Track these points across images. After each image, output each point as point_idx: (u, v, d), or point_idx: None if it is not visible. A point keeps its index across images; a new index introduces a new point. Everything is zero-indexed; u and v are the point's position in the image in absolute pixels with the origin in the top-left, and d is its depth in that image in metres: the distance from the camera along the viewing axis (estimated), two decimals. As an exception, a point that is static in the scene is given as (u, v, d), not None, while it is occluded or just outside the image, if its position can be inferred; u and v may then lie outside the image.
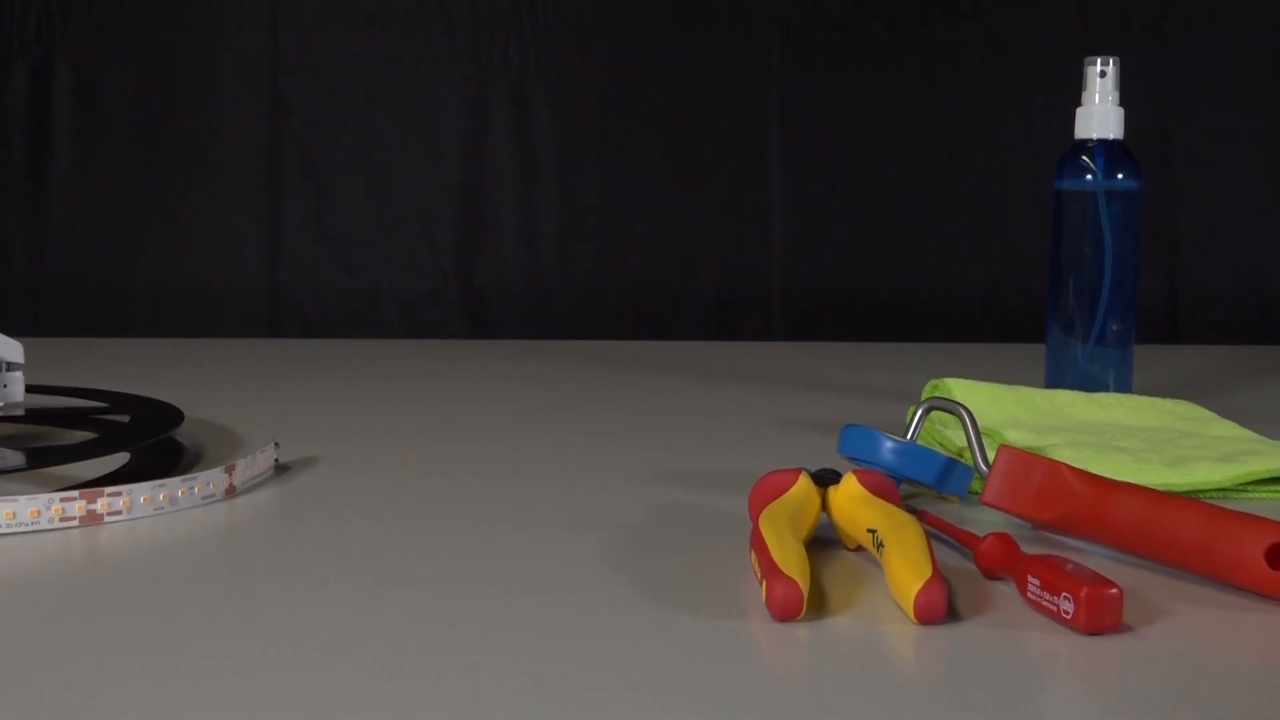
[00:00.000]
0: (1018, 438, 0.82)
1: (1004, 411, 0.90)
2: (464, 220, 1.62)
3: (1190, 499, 0.62)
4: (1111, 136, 0.98)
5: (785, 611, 0.54)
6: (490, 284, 1.62)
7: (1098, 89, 0.98)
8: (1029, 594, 0.56)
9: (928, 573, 0.55)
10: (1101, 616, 0.53)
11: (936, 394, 0.92)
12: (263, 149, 1.59)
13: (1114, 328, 0.98)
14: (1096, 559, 0.65)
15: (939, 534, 0.67)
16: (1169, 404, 0.93)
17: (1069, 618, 0.54)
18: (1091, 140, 0.98)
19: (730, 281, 1.63)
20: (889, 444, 0.72)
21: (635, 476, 0.81)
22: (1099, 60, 0.98)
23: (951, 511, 0.74)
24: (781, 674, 0.50)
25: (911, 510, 0.71)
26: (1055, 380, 1.00)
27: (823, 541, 0.67)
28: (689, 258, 1.63)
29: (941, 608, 0.54)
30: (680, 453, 0.89)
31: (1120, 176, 0.98)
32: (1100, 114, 0.98)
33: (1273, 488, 0.77)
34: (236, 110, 1.59)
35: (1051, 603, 0.55)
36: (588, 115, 1.62)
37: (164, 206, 1.59)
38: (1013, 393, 0.92)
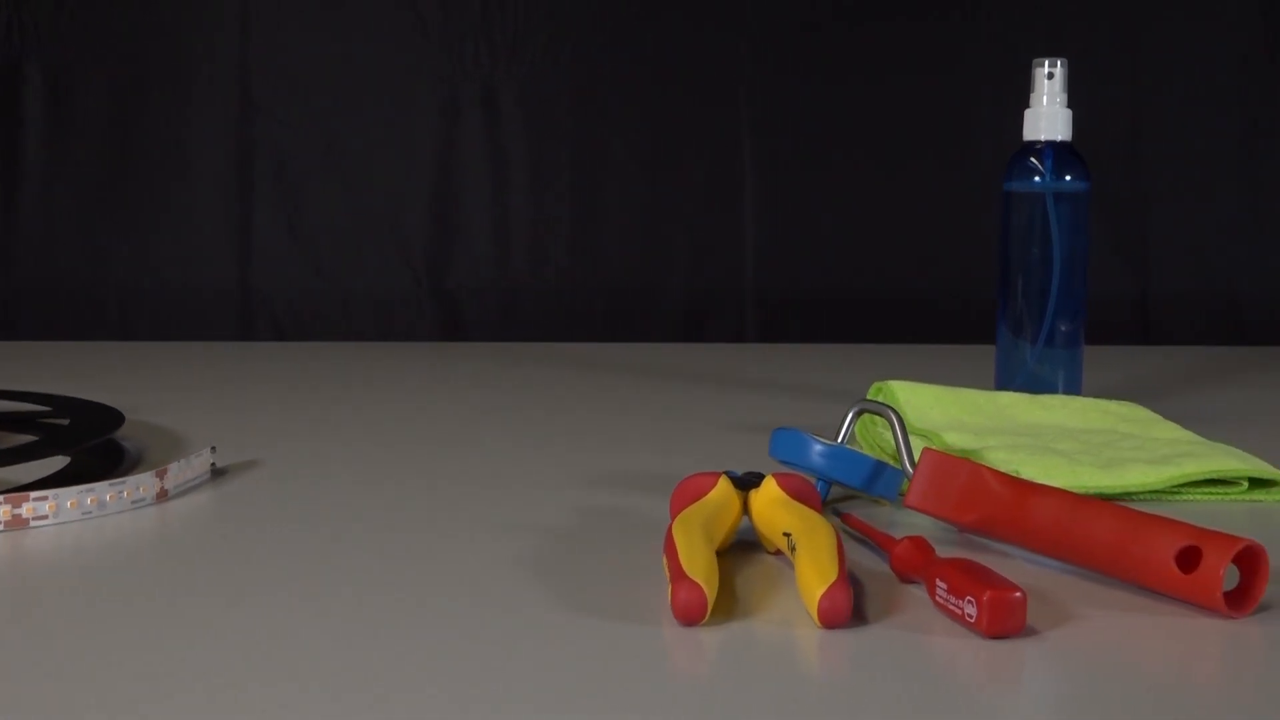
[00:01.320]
0: (956, 440, 0.82)
1: (946, 414, 0.90)
2: (435, 222, 1.62)
3: (1106, 502, 0.62)
4: (1060, 138, 0.98)
5: (688, 615, 0.54)
6: (462, 286, 1.62)
7: (1045, 90, 0.98)
8: (937, 598, 0.56)
9: (833, 576, 0.55)
10: (1004, 620, 0.53)
11: (880, 396, 0.92)
12: (233, 151, 1.59)
13: (1063, 329, 0.98)
14: (1016, 562, 0.65)
15: (861, 537, 0.68)
16: (1113, 405, 0.93)
17: (972, 621, 0.54)
18: (1040, 142, 0.98)
19: (702, 283, 1.63)
20: (817, 447, 0.72)
21: (573, 479, 0.81)
22: (1047, 62, 0.98)
23: (882, 515, 0.74)
24: (680, 678, 0.50)
25: (837, 513, 0.71)
26: (1005, 381, 1.00)
27: (746, 545, 0.67)
28: (661, 259, 1.63)
29: (845, 611, 0.54)
30: (624, 455, 0.89)
31: (1069, 178, 0.98)
32: (1049, 115, 0.98)
33: (1205, 490, 0.77)
34: (207, 112, 1.59)
35: (957, 606, 0.55)
36: (558, 116, 1.62)
37: (135, 209, 1.59)
38: (955, 395, 0.92)
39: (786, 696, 0.48)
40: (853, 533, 0.68)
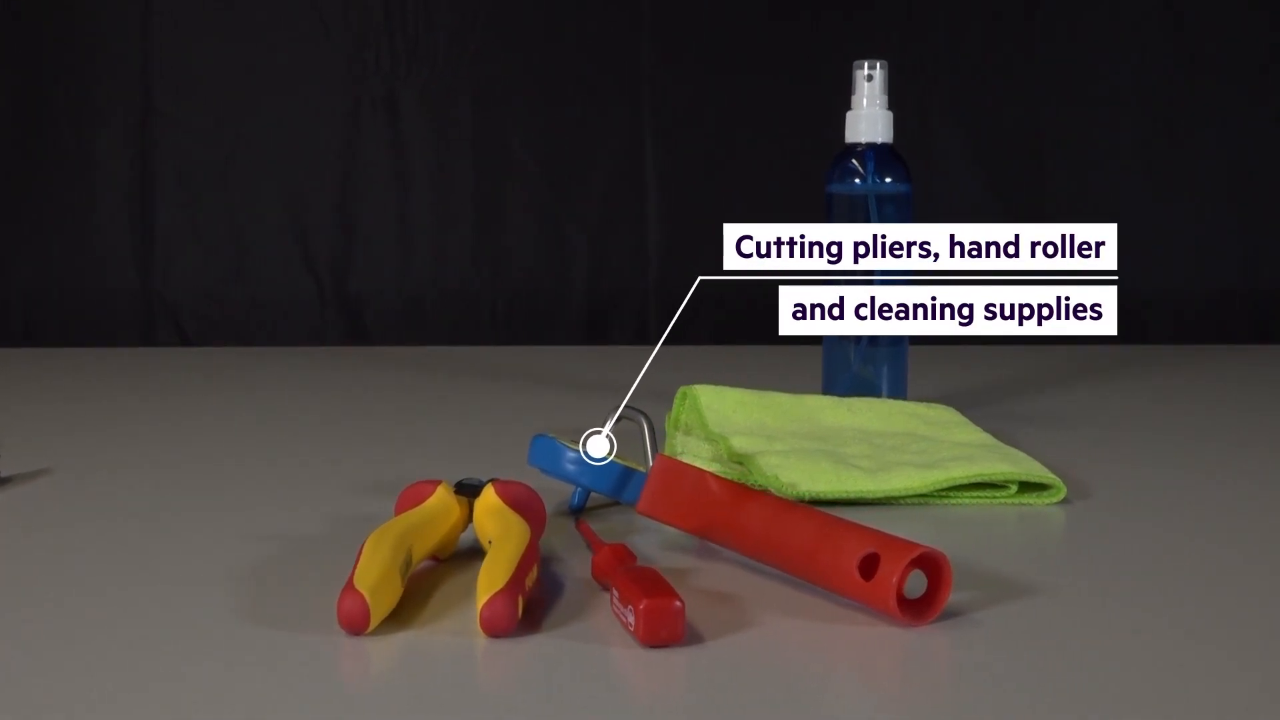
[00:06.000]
0: (741, 444, 0.82)
1: (748, 417, 0.90)
2: (337, 226, 1.62)
3: (809, 508, 0.62)
4: (880, 140, 0.97)
5: (350, 625, 0.54)
6: (365, 291, 1.63)
7: (865, 93, 0.98)
8: (613, 606, 0.56)
9: (498, 586, 0.55)
10: (658, 629, 0.53)
11: (684, 401, 0.92)
12: (136, 157, 1.60)
13: (885, 331, 0.98)
14: (732, 568, 0.65)
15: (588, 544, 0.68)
16: (921, 408, 0.92)
17: (633, 629, 0.54)
18: (861, 144, 0.98)
19: (606, 285, 1.63)
20: (569, 454, 0.72)
21: (352, 487, 0.81)
22: (866, 64, 0.98)
23: (641, 522, 0.73)
24: (332, 688, 0.50)
25: (578, 520, 0.71)
26: (830, 382, 0.99)
27: (476, 553, 0.67)
28: (564, 261, 1.63)
29: (505, 621, 0.54)
30: (423, 463, 0.89)
31: (889, 180, 0.97)
32: (869, 118, 0.98)
33: (974, 494, 0.76)
34: (109, 116, 1.59)
35: (623, 615, 0.55)
36: (460, 120, 1.62)
37: (38, 215, 1.60)
38: (762, 398, 0.92)
39: (426, 706, 0.48)
40: (586, 540, 0.68)
